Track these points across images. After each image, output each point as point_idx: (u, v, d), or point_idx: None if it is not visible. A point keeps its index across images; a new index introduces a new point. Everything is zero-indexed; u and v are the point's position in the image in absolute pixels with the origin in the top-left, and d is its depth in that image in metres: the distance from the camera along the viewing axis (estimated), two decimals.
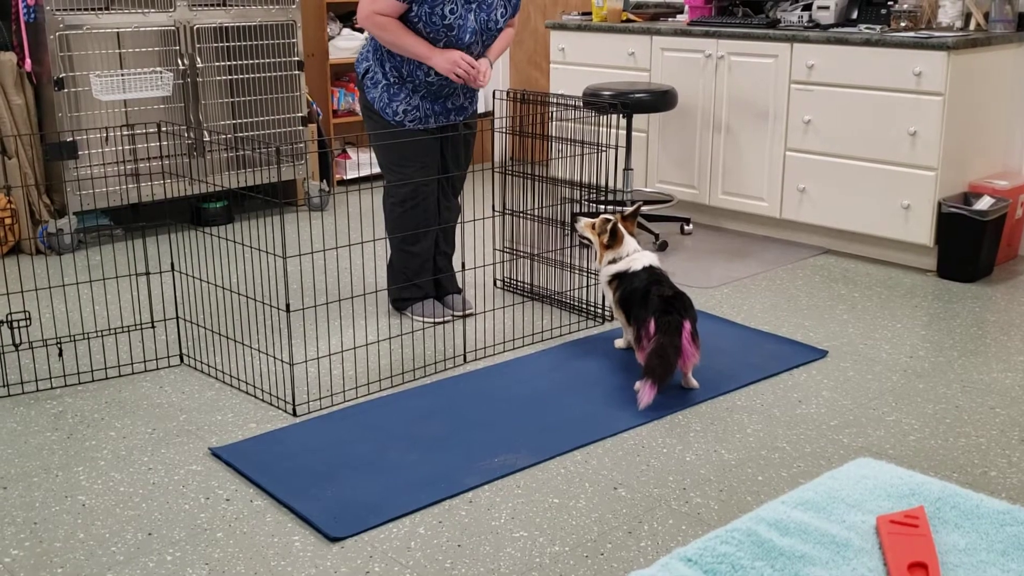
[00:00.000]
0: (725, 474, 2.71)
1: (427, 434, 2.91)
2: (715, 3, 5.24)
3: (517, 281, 4.11)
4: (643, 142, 5.23)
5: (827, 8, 4.70)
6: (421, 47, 3.42)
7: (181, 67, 4.82)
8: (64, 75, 4.49)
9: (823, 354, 3.49)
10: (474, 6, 3.45)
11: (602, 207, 3.96)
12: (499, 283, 4.18)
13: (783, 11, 4.90)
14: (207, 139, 4.87)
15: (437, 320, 3.75)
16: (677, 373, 3.12)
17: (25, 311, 3.27)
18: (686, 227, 4.96)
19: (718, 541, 1.61)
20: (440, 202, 3.75)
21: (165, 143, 4.79)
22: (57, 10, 4.44)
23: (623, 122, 4.86)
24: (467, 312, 3.81)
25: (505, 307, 3.90)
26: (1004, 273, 4.40)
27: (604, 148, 3.73)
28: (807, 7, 4.81)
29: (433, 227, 3.71)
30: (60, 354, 3.44)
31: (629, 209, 3.53)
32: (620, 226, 3.40)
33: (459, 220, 3.83)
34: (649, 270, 3.29)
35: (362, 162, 6.00)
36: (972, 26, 4.48)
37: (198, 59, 4.86)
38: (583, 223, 3.52)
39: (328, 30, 5.83)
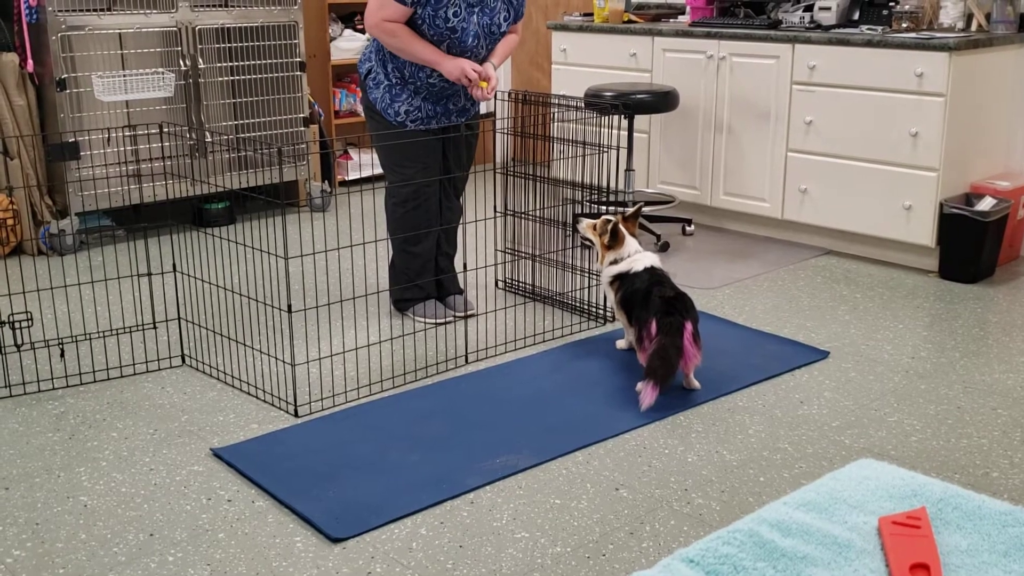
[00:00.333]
0: (727, 475, 2.70)
1: (429, 435, 2.91)
2: (717, 4, 5.24)
3: (519, 282, 4.11)
4: (644, 143, 5.23)
5: (828, 9, 4.71)
6: (431, 53, 3.43)
7: (183, 68, 4.83)
8: (66, 76, 4.49)
9: (825, 355, 3.49)
10: (477, 9, 3.46)
11: (604, 208, 3.96)
12: (500, 284, 4.18)
13: (784, 12, 4.90)
14: (209, 140, 4.87)
15: (439, 321, 3.75)
16: (679, 374, 3.12)
17: (27, 312, 3.28)
18: (687, 228, 4.96)
19: (720, 542, 1.61)
20: (442, 203, 3.76)
21: (167, 144, 4.79)
22: (59, 11, 4.45)
23: (624, 123, 4.86)
24: (468, 313, 3.81)
25: (507, 308, 3.90)
26: (1006, 274, 4.39)
27: (606, 149, 3.73)
28: (808, 8, 4.81)
29: (435, 228, 3.71)
30: (62, 355, 3.44)
31: (630, 210, 3.53)
32: (621, 227, 3.40)
33: (461, 221, 3.83)
34: (651, 271, 3.29)
35: (364, 163, 6.00)
36: (973, 27, 4.48)
37: (200, 60, 4.86)
38: (585, 224, 3.52)
39: (330, 31, 5.83)
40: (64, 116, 4.52)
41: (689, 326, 3.08)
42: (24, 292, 3.48)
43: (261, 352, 3.42)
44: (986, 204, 4.24)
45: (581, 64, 5.40)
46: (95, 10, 4.58)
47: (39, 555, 2.35)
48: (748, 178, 4.85)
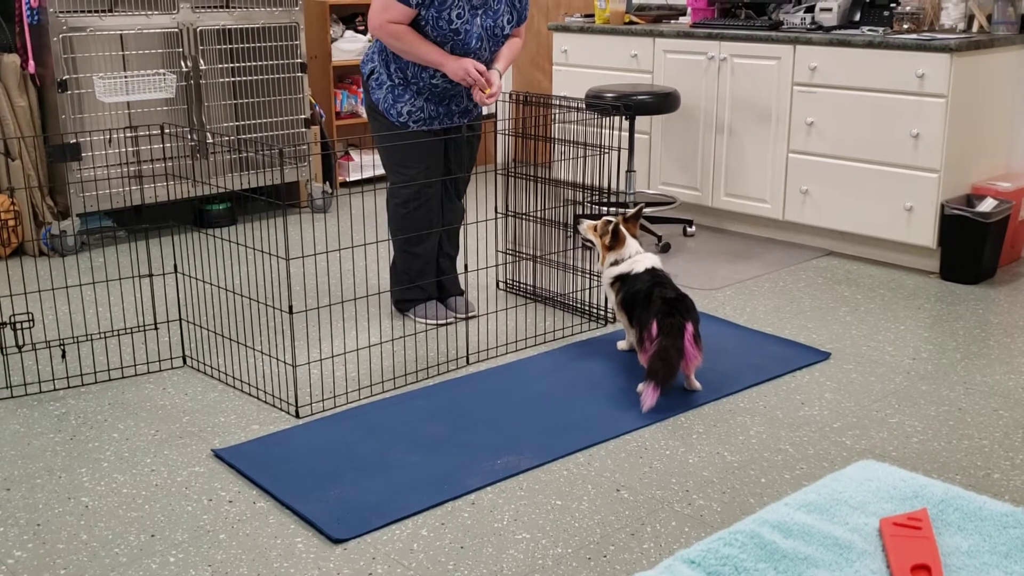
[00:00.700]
0: (728, 476, 2.70)
1: (430, 436, 2.91)
2: (718, 5, 5.24)
3: (519, 283, 4.11)
4: (646, 144, 5.23)
5: (829, 10, 4.71)
6: (434, 54, 3.43)
7: (184, 69, 4.83)
8: (67, 77, 4.49)
9: (826, 356, 3.49)
10: (480, 12, 3.46)
11: (604, 209, 3.96)
12: (502, 285, 4.18)
13: (786, 13, 4.90)
14: (210, 141, 4.88)
15: (440, 322, 3.75)
16: (680, 375, 3.12)
17: (28, 313, 3.28)
18: (689, 229, 4.96)
19: (721, 543, 1.61)
20: (444, 204, 3.76)
21: (168, 145, 4.79)
22: (60, 12, 4.45)
23: (626, 124, 4.86)
24: (470, 314, 3.81)
25: (508, 309, 3.90)
26: (1007, 275, 4.39)
27: (607, 150, 3.73)
28: (810, 9, 4.81)
29: (436, 229, 3.71)
30: (63, 356, 3.44)
31: (631, 211, 3.53)
32: (622, 228, 3.40)
33: (463, 222, 3.83)
34: (651, 272, 3.29)
35: (365, 164, 6.00)
36: (975, 28, 4.47)
37: (201, 61, 4.86)
38: (586, 225, 3.52)
39: (331, 32, 5.84)
40: (65, 117, 4.52)
41: (690, 327, 3.08)
42: (25, 293, 3.48)
43: (262, 353, 3.42)
44: (987, 205, 4.24)
45: (582, 65, 5.40)
46: (96, 11, 4.58)
47: (40, 556, 2.35)
48: (749, 179, 4.85)
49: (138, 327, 3.61)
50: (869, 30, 4.50)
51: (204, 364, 3.40)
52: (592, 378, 3.31)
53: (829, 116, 4.51)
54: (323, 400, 3.14)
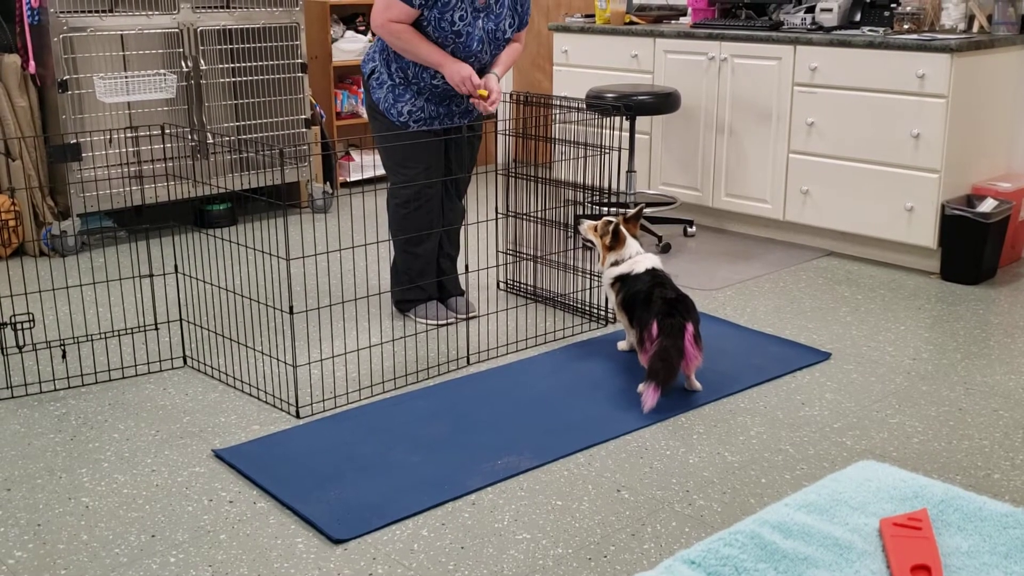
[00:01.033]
0: (728, 476, 2.71)
1: (430, 436, 2.91)
2: (718, 5, 5.24)
3: (520, 283, 4.11)
4: (646, 144, 5.23)
5: (830, 10, 4.71)
6: (435, 55, 3.43)
7: (185, 69, 4.83)
8: (68, 77, 4.50)
9: (826, 356, 3.49)
10: (483, 15, 3.46)
11: (605, 209, 3.96)
12: (502, 285, 4.18)
13: (786, 13, 4.90)
14: (211, 141, 4.88)
15: (440, 322, 3.75)
16: (680, 376, 3.12)
17: (29, 313, 3.28)
18: (689, 229, 4.96)
19: (721, 543, 1.61)
20: (444, 204, 3.76)
21: (169, 145, 4.79)
22: (61, 12, 4.45)
23: (626, 124, 4.86)
24: (470, 314, 3.81)
25: (508, 309, 3.90)
26: (1007, 275, 4.39)
27: (607, 150, 3.73)
28: (810, 9, 4.81)
29: (437, 229, 3.71)
30: (64, 356, 3.44)
31: (632, 211, 3.53)
32: (623, 228, 3.40)
33: (463, 222, 3.83)
34: (652, 272, 3.30)
35: (365, 164, 6.00)
36: (975, 28, 4.47)
37: (202, 61, 4.87)
38: (586, 225, 3.52)
39: (331, 32, 5.84)
40: (66, 117, 4.53)
41: (690, 328, 3.08)
42: (26, 293, 3.48)
43: (263, 353, 3.42)
44: (988, 206, 4.24)
45: (583, 65, 5.40)
46: (97, 11, 4.58)
47: (40, 556, 2.35)
48: (750, 179, 4.85)
49: (138, 327, 3.62)
50: (869, 30, 4.50)
51: (204, 364, 3.40)
52: (592, 378, 3.31)
53: (829, 116, 4.51)
54: (323, 400, 3.14)
